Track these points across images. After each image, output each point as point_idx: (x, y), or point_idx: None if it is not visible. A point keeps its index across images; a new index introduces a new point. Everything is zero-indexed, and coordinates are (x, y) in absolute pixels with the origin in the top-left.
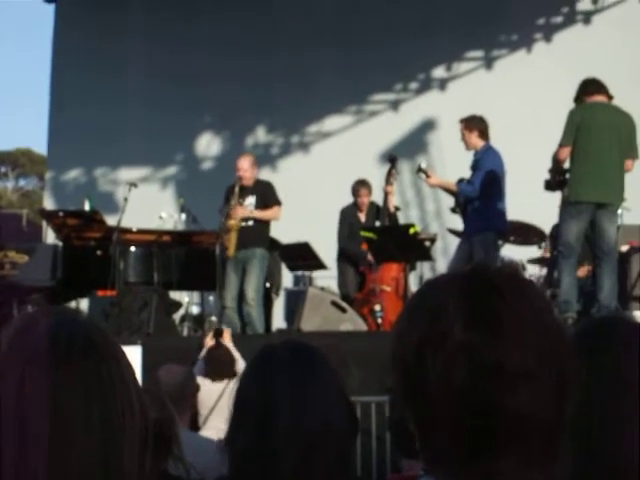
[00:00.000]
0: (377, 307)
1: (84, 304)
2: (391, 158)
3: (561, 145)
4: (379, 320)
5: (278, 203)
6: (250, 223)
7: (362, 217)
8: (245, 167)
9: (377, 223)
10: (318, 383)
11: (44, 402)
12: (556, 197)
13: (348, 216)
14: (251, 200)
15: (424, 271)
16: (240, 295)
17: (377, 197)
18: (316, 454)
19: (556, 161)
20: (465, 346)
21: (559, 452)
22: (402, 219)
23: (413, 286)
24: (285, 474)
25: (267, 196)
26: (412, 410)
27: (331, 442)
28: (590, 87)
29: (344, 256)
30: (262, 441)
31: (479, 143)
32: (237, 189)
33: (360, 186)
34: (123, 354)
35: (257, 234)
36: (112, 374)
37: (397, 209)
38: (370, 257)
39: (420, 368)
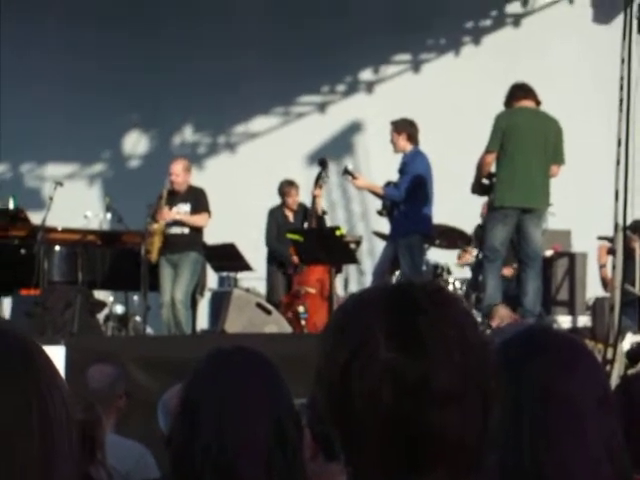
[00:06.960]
0: (301, 309)
1: (7, 303)
2: (322, 162)
3: (487, 150)
4: (303, 322)
5: (207, 211)
6: (186, 231)
7: (291, 217)
8: (177, 172)
9: (305, 225)
10: (270, 390)
11: None
12: (482, 200)
13: (276, 217)
14: (185, 208)
15: (350, 273)
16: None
17: (305, 199)
18: (269, 460)
19: (481, 166)
20: (390, 366)
21: (483, 465)
22: (329, 221)
23: (339, 288)
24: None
25: (199, 203)
26: (338, 428)
27: (282, 448)
28: (518, 92)
29: (272, 259)
30: (213, 442)
31: (407, 146)
32: (165, 193)
33: (289, 186)
34: (52, 362)
35: (190, 240)
36: (48, 383)
37: (324, 213)
38: (295, 259)
39: (346, 388)
